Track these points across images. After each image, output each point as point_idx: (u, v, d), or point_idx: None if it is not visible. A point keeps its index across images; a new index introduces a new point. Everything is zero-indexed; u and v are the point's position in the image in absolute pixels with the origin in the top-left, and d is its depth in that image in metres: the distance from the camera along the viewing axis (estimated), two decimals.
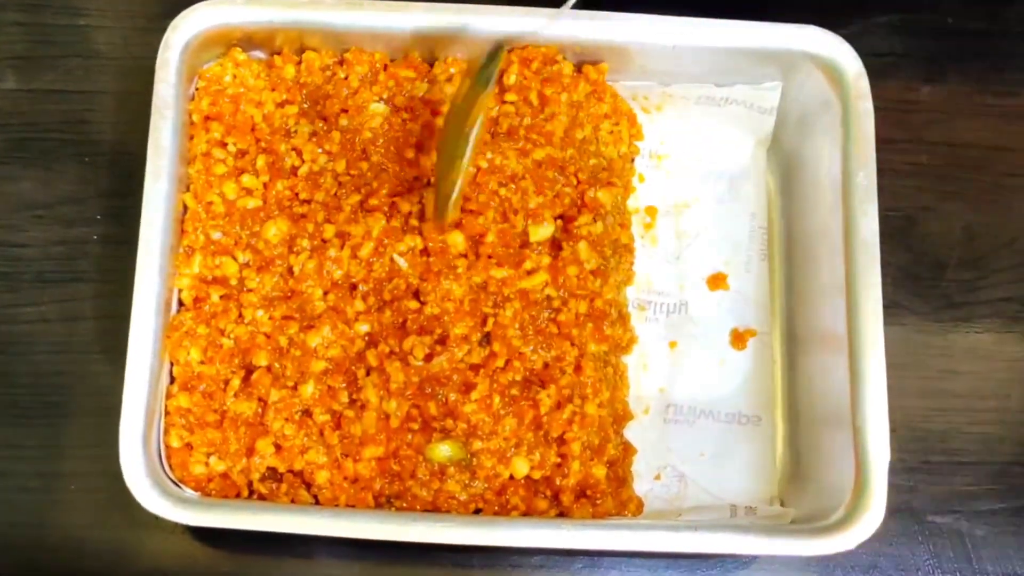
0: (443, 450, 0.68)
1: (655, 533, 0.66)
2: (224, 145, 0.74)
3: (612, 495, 0.70)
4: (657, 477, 0.76)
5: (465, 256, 0.71)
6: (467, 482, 0.68)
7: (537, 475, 0.69)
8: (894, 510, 0.75)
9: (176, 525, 0.69)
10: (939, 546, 0.78)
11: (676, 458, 0.76)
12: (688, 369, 0.78)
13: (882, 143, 0.73)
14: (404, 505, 0.68)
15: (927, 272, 0.82)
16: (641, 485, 0.74)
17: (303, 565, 0.75)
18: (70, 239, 0.80)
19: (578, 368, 0.70)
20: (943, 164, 0.85)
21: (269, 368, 0.70)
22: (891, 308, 0.72)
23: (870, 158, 0.72)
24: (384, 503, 0.68)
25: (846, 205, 0.72)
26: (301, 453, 0.68)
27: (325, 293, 0.71)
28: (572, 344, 0.71)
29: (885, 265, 0.70)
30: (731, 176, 0.82)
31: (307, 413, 0.69)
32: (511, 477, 0.69)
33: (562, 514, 0.69)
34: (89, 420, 0.76)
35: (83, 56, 0.84)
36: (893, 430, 0.67)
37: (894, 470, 0.67)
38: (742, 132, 0.82)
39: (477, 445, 0.68)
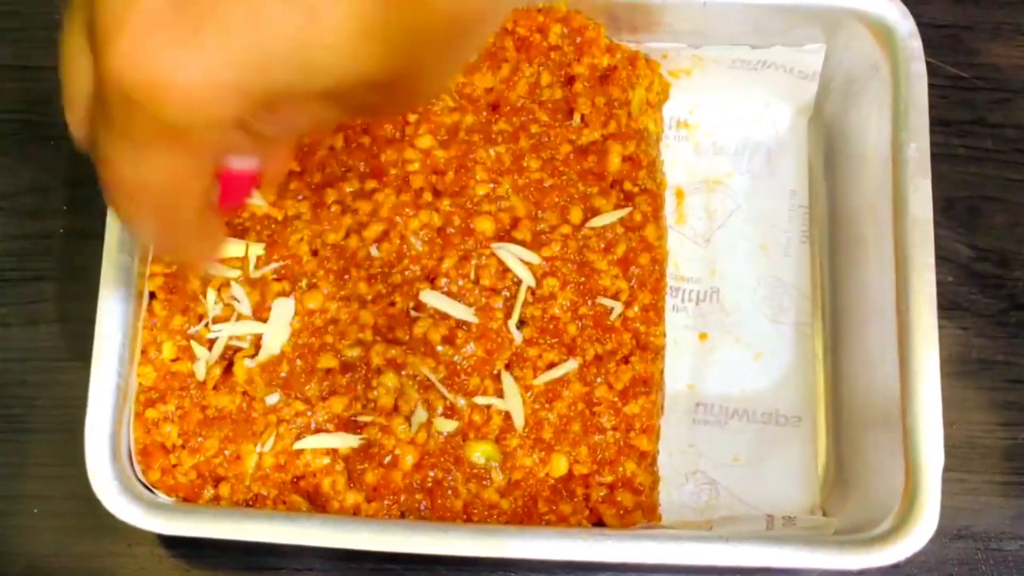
0: (476, 454, 0.67)
1: (683, 545, 0.64)
2: None
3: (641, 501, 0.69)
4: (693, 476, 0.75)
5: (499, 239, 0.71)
6: (502, 487, 0.67)
7: (583, 471, 0.68)
8: (954, 536, 0.74)
9: (153, 551, 0.68)
10: None
11: (706, 463, 0.75)
12: (720, 364, 0.77)
13: (941, 126, 0.71)
14: (437, 515, 0.67)
15: (991, 270, 0.80)
16: (667, 493, 0.73)
17: None
18: (33, 233, 0.79)
19: (628, 359, 0.70)
20: (1010, 149, 0.83)
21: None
22: (950, 310, 0.71)
23: (922, 127, 0.70)
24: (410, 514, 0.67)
25: (896, 180, 0.70)
26: (296, 456, 0.67)
27: (315, 252, 0.70)
28: (633, 337, 0.71)
29: (944, 262, 0.69)
30: (768, 149, 0.81)
31: (307, 402, 0.68)
32: (545, 476, 0.68)
33: (591, 514, 0.68)
34: (54, 435, 0.75)
35: (49, 28, 0.82)
36: (953, 447, 0.65)
37: (955, 491, 0.65)
38: (780, 100, 0.81)
39: (514, 443, 0.67)
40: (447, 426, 0.67)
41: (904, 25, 0.72)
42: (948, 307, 0.68)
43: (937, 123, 0.71)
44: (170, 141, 0.41)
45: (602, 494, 0.68)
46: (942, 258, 0.69)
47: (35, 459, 0.75)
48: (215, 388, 0.68)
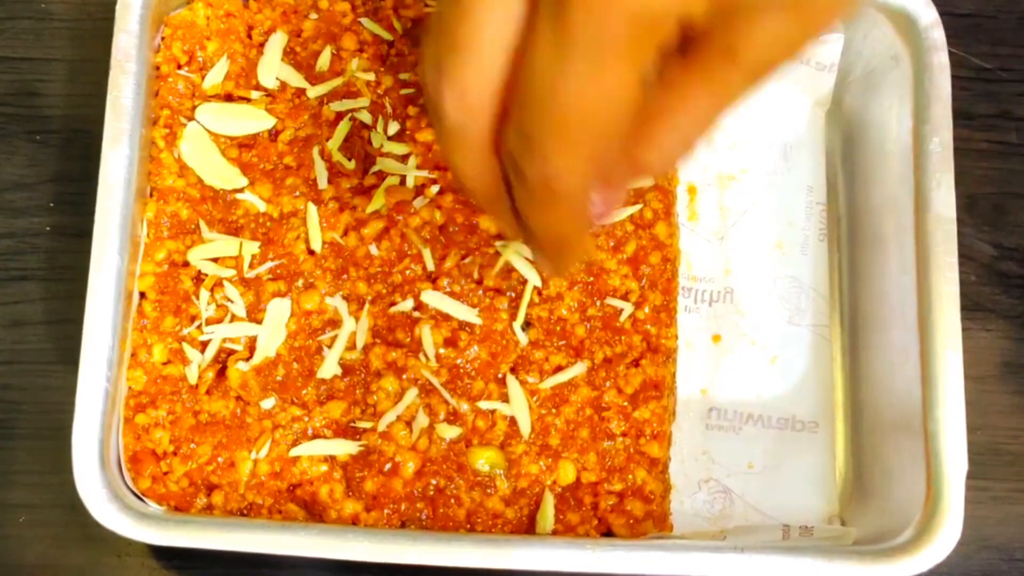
0: (480, 461, 0.67)
1: (695, 555, 0.64)
2: (196, 96, 0.73)
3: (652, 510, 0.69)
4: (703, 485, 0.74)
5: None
6: (507, 496, 0.67)
7: (591, 478, 0.68)
8: (980, 546, 0.73)
9: (144, 562, 0.68)
10: None
11: (720, 470, 0.74)
12: (734, 367, 0.76)
13: (964, 119, 0.71)
14: (439, 525, 0.67)
15: (1017, 269, 0.80)
16: (679, 502, 0.72)
17: None
18: (17, 231, 0.78)
19: (638, 362, 0.70)
20: None
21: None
22: (974, 311, 0.71)
23: (945, 120, 0.70)
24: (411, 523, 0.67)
25: (917, 175, 0.70)
26: (292, 463, 0.67)
27: (311, 252, 0.70)
28: (643, 339, 0.70)
29: (967, 261, 0.69)
30: (784, 143, 0.80)
31: (303, 406, 0.68)
32: (552, 484, 0.67)
33: (600, 523, 0.68)
34: (40, 442, 0.74)
35: (34, 18, 0.82)
36: (977, 453, 0.65)
37: (978, 500, 0.64)
38: (797, 92, 0.80)
39: (519, 449, 0.67)
40: (450, 432, 0.67)
41: (926, 14, 0.72)
42: (971, 308, 0.68)
43: (960, 116, 0.70)
44: (637, 43, 0.42)
45: (611, 503, 0.68)
46: (965, 257, 0.68)
47: (20, 466, 0.74)
48: (208, 392, 0.68)
